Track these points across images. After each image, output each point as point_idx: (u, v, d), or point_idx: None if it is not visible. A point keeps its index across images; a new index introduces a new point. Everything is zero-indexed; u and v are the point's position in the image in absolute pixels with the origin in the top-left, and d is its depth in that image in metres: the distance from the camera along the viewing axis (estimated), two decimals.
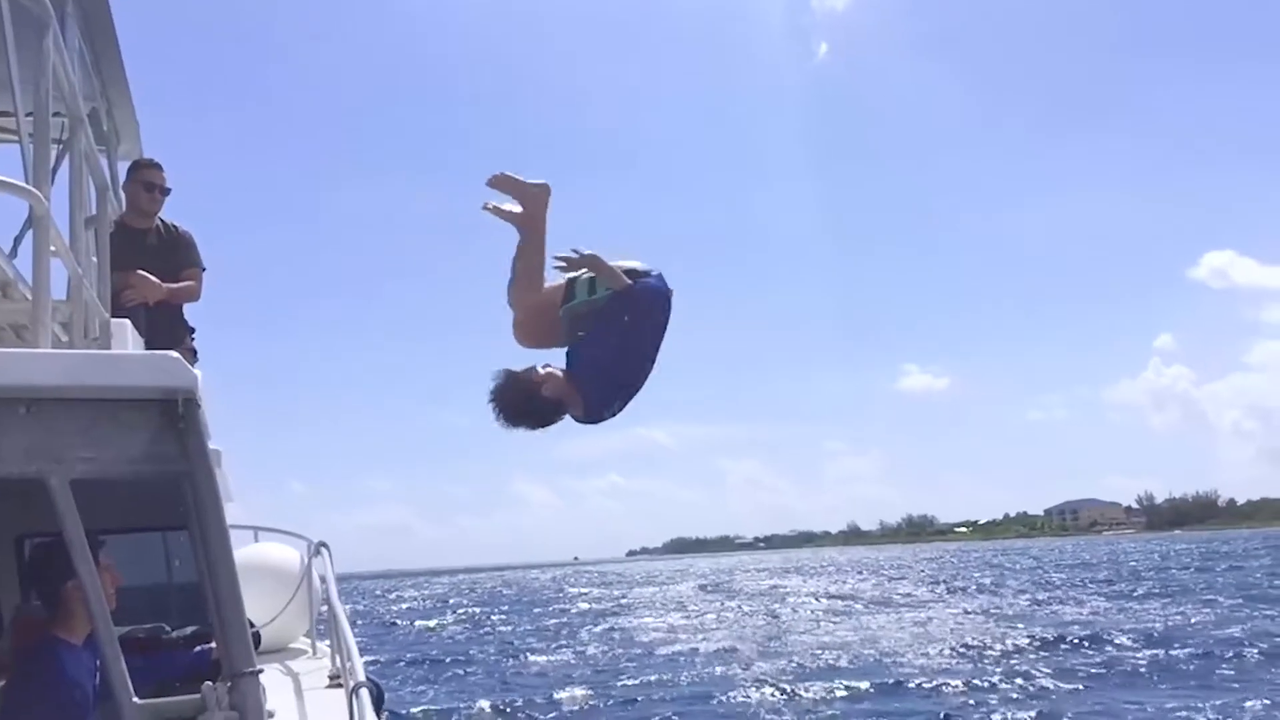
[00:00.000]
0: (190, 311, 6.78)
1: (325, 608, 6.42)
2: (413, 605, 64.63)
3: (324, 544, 6.79)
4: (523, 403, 4.12)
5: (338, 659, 5.79)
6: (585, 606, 53.73)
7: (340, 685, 5.43)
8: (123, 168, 7.18)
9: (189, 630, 5.17)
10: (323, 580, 6.68)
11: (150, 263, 6.34)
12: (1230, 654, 21.09)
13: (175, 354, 2.89)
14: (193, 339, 6.68)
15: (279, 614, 6.98)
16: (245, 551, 7.70)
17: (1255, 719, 14.08)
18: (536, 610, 52.84)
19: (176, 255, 6.67)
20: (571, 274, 4.27)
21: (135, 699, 2.43)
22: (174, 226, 6.81)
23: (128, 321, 4.90)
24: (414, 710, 16.66)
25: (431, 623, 47.65)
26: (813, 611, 41.94)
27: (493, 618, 48.46)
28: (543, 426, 4.23)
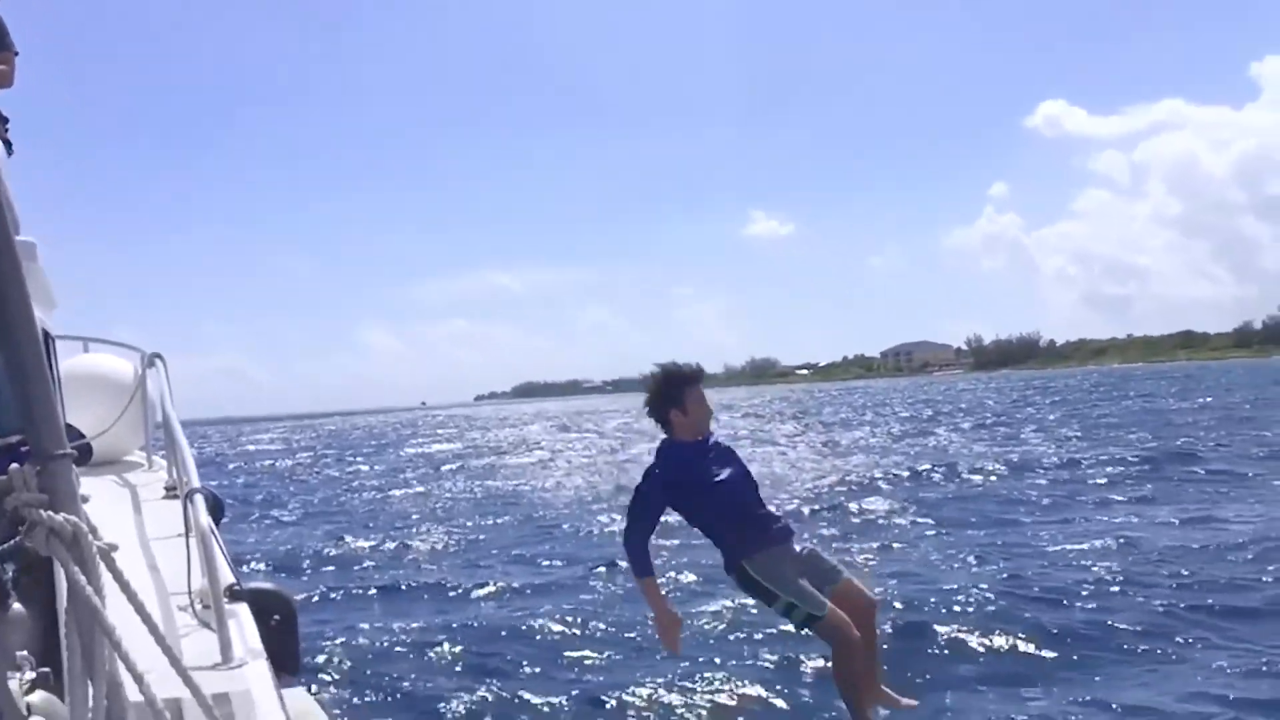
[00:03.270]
0: (3, 101, 5.93)
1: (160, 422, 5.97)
2: (258, 449, 63.02)
3: (158, 355, 6.18)
4: (654, 398, 5.40)
5: (173, 470, 5.55)
6: (439, 448, 53.28)
7: (176, 496, 5.08)
8: None
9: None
10: (158, 393, 6.18)
11: None
12: (1068, 477, 22.08)
13: None
14: (6, 130, 5.82)
15: (111, 425, 6.69)
16: (74, 362, 7.40)
17: (1101, 529, 14.62)
18: (389, 452, 52.12)
19: None
20: None
21: None
22: None
23: None
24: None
25: (280, 463, 46.51)
26: None
27: (345, 459, 47.59)
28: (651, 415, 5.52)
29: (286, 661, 3.43)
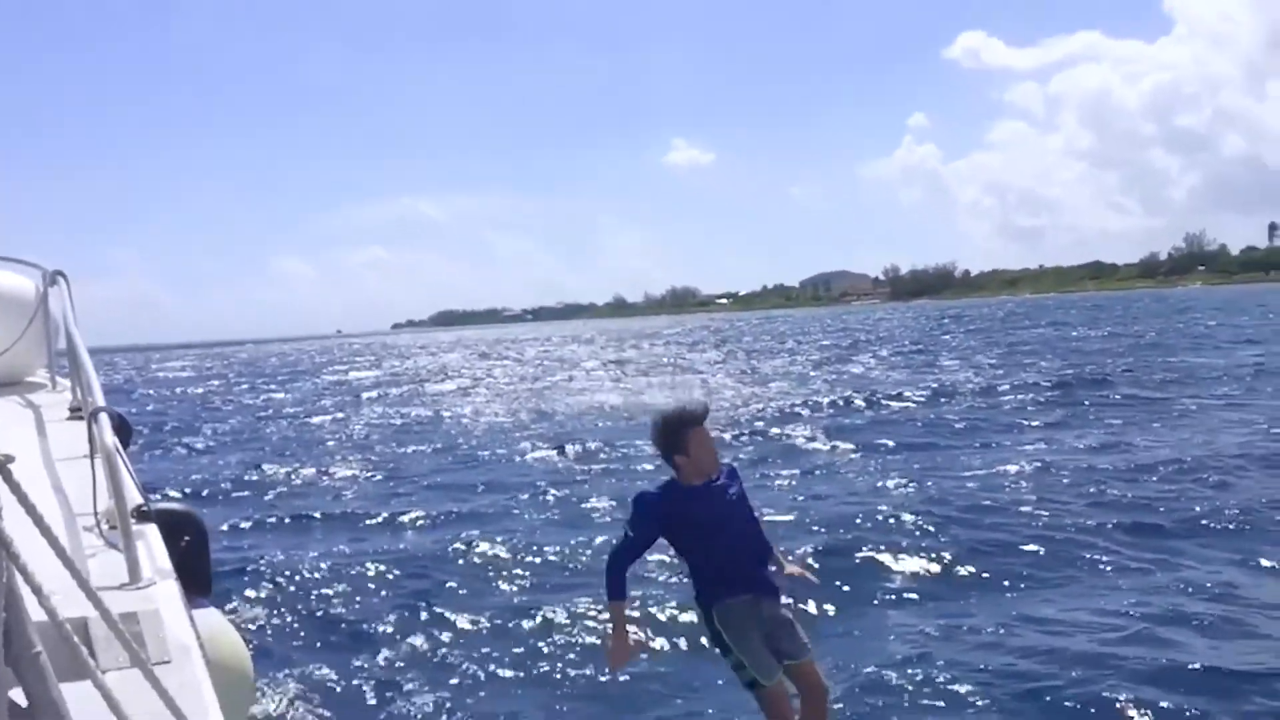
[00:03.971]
0: None
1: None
2: (169, 376, 61.57)
3: (60, 273, 5.89)
4: (659, 445, 5.32)
5: (78, 391, 5.39)
6: (357, 375, 52.58)
7: (81, 417, 4.90)
8: None
9: None
10: (60, 312, 5.91)
11: None
12: (985, 403, 22.52)
13: None
14: None
15: (12, 345, 6.51)
16: None
17: (1017, 452, 14.94)
18: (306, 380, 51.30)
19: None
20: None
21: None
22: None
23: None
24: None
25: (192, 390, 45.54)
26: (591, 374, 42.48)
27: (259, 387, 46.73)
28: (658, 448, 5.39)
29: (198, 583, 3.30)
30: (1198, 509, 11.38)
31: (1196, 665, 6.97)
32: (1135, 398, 22.16)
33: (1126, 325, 56.99)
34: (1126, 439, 16.59)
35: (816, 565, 6.20)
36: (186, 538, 3.51)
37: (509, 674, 7.84)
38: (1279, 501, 11.48)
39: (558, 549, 11.17)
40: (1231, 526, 10.72)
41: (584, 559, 10.82)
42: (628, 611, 5.40)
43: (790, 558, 5.68)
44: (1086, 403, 21.80)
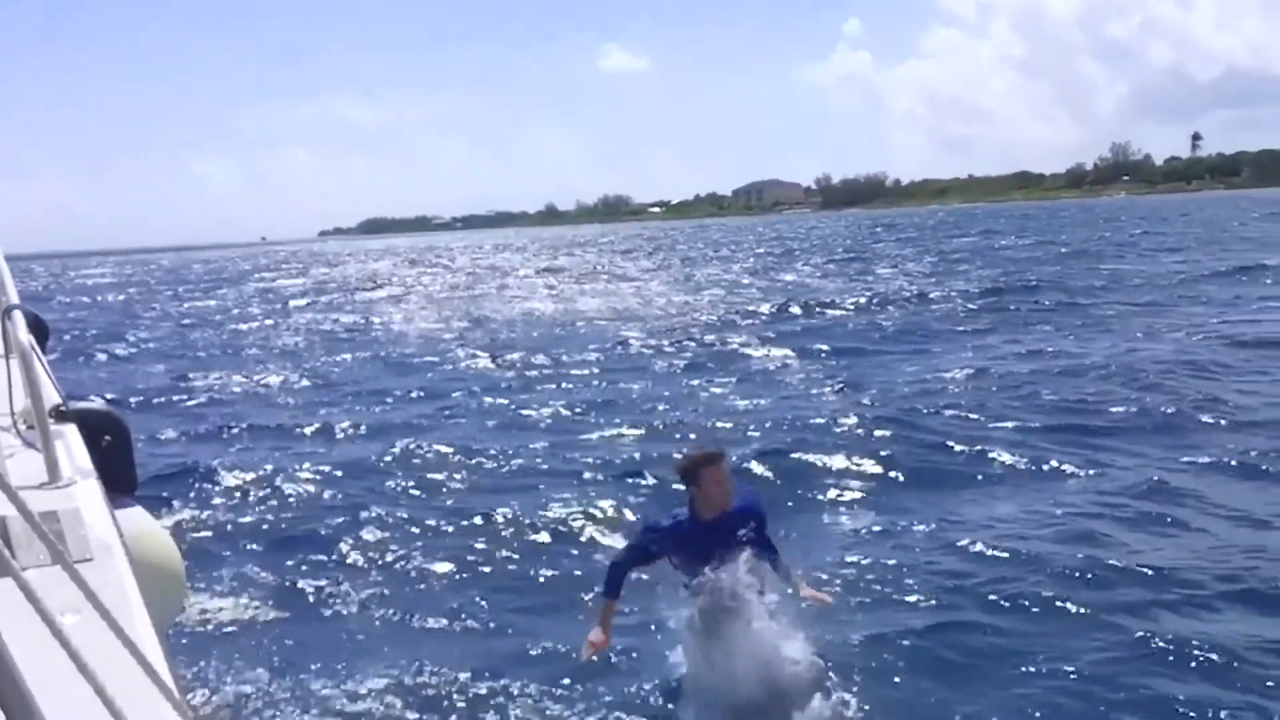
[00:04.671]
0: None
1: None
2: (89, 284, 59.88)
3: None
4: (680, 471, 5.67)
5: None
6: (285, 283, 51.58)
7: None
8: None
9: None
10: None
11: None
12: (919, 310, 22.76)
13: None
14: None
15: None
16: None
17: (952, 358, 15.12)
18: (232, 288, 50.21)
19: None
20: None
21: None
22: None
23: None
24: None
25: (113, 298, 44.40)
26: (524, 281, 42.14)
27: (183, 295, 45.66)
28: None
29: (121, 483, 3.13)
30: (1125, 410, 11.62)
31: (1123, 562, 7.12)
32: (1064, 304, 22.50)
33: (1054, 234, 57.80)
34: (1056, 345, 16.85)
35: (832, 589, 6.26)
36: (108, 438, 3.33)
37: (445, 570, 7.80)
38: (1202, 403, 11.76)
39: (495, 453, 11.09)
40: (1158, 427, 10.96)
41: (520, 463, 10.77)
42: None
43: (806, 582, 5.79)
44: (1017, 309, 22.10)
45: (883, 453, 10.29)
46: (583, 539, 8.48)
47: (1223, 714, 5.15)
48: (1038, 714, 5.30)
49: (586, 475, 10.16)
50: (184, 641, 6.39)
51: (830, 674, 5.59)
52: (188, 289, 50.91)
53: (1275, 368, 13.88)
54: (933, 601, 6.74)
